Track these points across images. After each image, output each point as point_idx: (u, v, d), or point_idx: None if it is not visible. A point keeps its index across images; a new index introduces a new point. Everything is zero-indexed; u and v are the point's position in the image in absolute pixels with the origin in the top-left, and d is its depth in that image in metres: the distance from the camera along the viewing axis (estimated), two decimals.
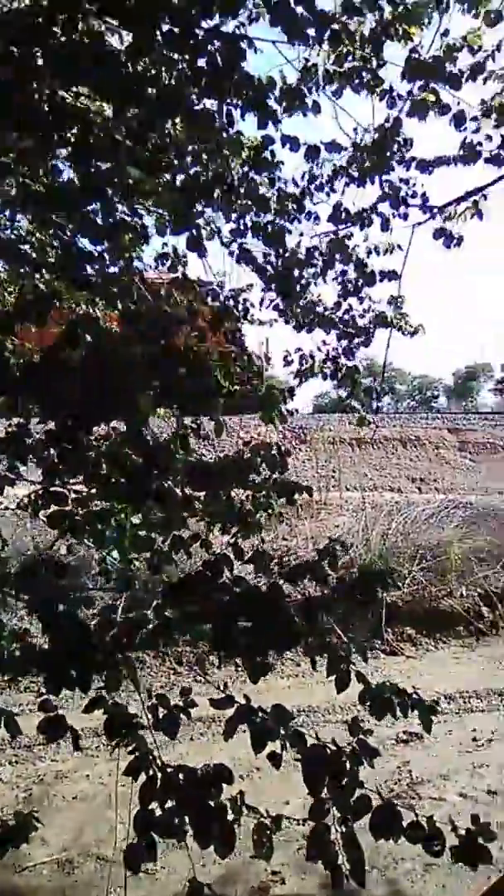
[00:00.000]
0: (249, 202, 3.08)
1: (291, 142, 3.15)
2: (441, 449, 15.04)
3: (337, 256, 3.42)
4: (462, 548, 9.38)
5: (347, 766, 1.69)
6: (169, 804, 1.59)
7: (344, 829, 1.62)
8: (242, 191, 3.02)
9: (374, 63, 3.14)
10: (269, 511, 2.33)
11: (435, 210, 3.68)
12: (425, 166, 3.47)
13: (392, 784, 5.06)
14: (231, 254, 3.27)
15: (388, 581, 2.01)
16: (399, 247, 3.60)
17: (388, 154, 3.38)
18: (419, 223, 3.67)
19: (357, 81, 3.14)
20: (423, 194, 3.57)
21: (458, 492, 12.49)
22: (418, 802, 4.83)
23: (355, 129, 3.40)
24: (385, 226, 3.54)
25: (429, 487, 13.29)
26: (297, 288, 3.15)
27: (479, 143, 3.50)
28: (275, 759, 1.72)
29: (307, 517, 10.08)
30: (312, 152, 3.29)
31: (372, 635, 8.09)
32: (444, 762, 5.38)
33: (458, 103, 3.32)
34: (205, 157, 2.71)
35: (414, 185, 3.55)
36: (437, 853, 1.71)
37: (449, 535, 9.61)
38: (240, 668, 1.94)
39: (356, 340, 3.47)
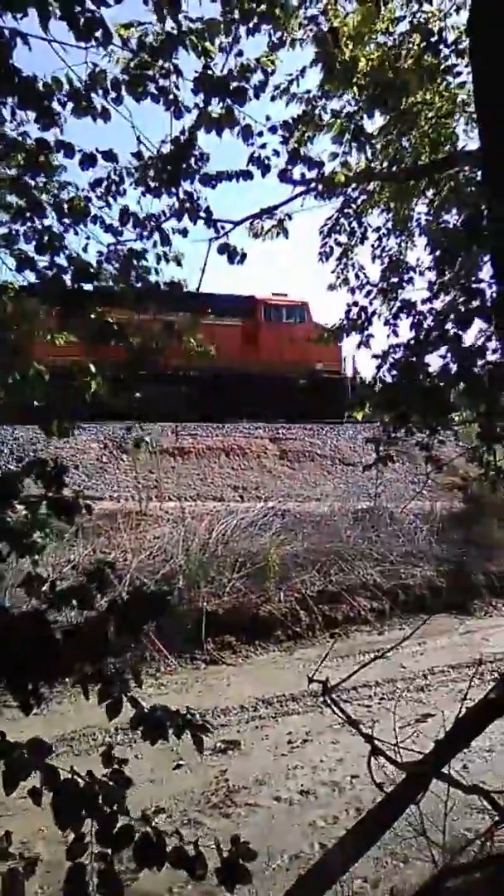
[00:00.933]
0: (24, 205, 2.94)
1: (65, 147, 3.04)
2: (263, 458, 15.40)
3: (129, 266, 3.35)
4: (280, 554, 9.64)
5: (101, 799, 1.59)
6: None
7: (103, 866, 1.53)
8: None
9: (161, 72, 3.14)
10: (47, 530, 2.20)
11: (230, 226, 3.75)
12: (208, 180, 3.50)
13: (210, 794, 5.04)
14: (12, 254, 3.09)
15: (166, 602, 1.94)
16: (179, 262, 3.60)
17: (185, 167, 3.38)
18: (215, 237, 3.71)
19: (141, 90, 3.11)
20: (207, 208, 3.61)
21: (277, 499, 12.83)
22: (234, 810, 4.84)
23: (138, 139, 3.36)
24: (165, 240, 3.53)
25: (250, 496, 13.54)
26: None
27: (268, 158, 3.61)
28: (35, 797, 1.60)
29: (126, 529, 9.89)
30: (88, 160, 3.19)
31: (192, 646, 8.09)
32: (260, 767, 5.45)
33: (245, 118, 3.39)
34: None
35: (198, 198, 3.57)
36: (200, 877, 1.66)
37: (267, 543, 9.83)
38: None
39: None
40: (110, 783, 1.62)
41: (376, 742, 2.77)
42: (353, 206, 5.15)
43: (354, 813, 4.66)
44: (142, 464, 12.89)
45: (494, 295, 3.49)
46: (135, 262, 3.30)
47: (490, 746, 5.58)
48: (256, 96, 3.41)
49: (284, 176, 3.71)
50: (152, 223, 3.46)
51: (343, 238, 5.30)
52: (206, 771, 5.38)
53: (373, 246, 5.41)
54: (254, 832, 4.55)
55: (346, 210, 5.16)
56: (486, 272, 4.21)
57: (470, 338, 3.61)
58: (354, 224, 5.27)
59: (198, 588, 8.69)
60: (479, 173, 4.04)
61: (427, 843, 3.01)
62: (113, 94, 3.05)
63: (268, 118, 3.54)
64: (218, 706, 6.68)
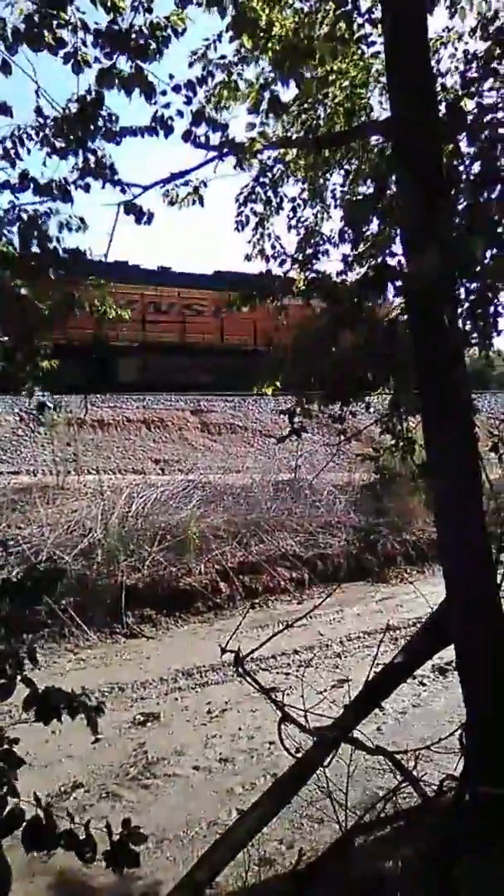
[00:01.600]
0: None
1: None
2: (184, 430, 15.32)
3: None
4: (200, 526, 9.65)
5: None
6: None
7: None
8: None
9: (64, 25, 3.00)
10: None
11: (140, 190, 3.65)
12: (112, 136, 3.38)
13: (128, 767, 5.05)
14: None
15: (58, 581, 1.90)
16: (83, 221, 3.48)
17: (92, 128, 3.25)
18: (125, 202, 3.60)
19: (36, 40, 2.96)
20: (111, 166, 3.49)
21: (199, 472, 12.81)
22: (153, 781, 4.86)
23: (36, 92, 3.21)
24: (68, 197, 3.39)
25: (172, 469, 13.47)
26: None
27: (171, 119, 3.51)
28: None
29: (43, 503, 9.68)
30: None
31: (111, 619, 8.04)
32: (179, 738, 5.48)
33: (147, 76, 3.29)
34: None
35: (103, 156, 3.45)
36: (88, 860, 1.65)
37: (188, 515, 9.81)
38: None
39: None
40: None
41: (288, 709, 2.82)
42: (269, 174, 5.10)
43: (271, 778, 4.74)
44: (59, 436, 12.61)
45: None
46: (35, 227, 3.17)
47: (403, 709, 5.78)
48: (160, 53, 3.30)
49: (188, 137, 3.62)
50: (54, 185, 3.30)
51: (259, 207, 5.24)
52: (126, 744, 5.39)
53: (288, 216, 5.39)
54: (172, 801, 4.59)
55: (262, 179, 5.10)
56: (398, 246, 4.26)
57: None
58: (270, 193, 5.21)
59: (117, 562, 8.61)
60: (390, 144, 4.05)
61: (332, 805, 3.09)
62: (11, 43, 2.90)
63: (171, 76, 3.44)
64: (137, 679, 6.67)
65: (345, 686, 6.04)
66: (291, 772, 2.73)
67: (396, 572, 10.65)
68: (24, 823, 1.56)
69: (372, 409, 4.57)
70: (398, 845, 2.66)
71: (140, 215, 3.61)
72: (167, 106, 3.50)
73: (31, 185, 3.24)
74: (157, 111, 3.48)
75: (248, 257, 5.49)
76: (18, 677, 1.73)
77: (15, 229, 3.15)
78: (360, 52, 4.66)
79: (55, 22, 2.97)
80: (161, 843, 4.08)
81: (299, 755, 3.11)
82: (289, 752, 2.78)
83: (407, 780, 2.61)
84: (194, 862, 3.12)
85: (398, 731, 5.35)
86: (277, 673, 6.66)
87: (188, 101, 3.58)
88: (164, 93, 3.42)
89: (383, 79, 4.70)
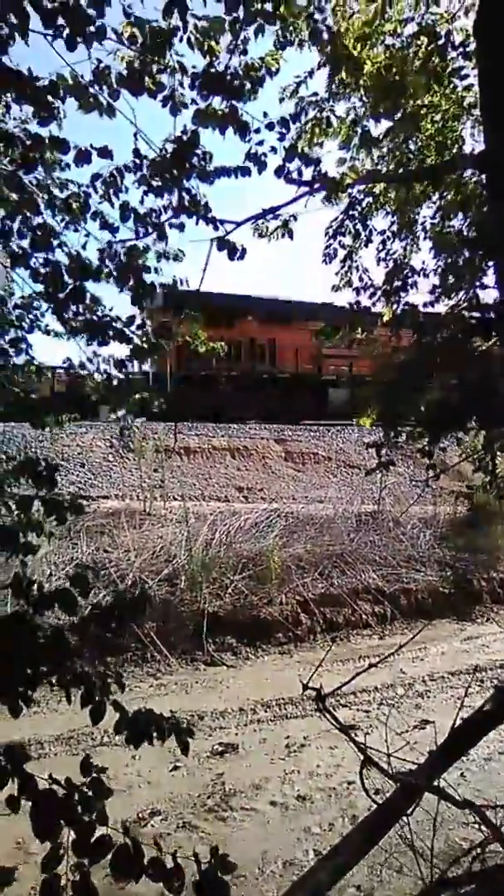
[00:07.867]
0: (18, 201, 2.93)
1: (59, 143, 3.02)
2: (268, 458, 15.38)
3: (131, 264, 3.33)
4: (282, 556, 9.62)
5: (80, 808, 1.56)
6: None
7: (79, 876, 1.50)
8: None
9: (164, 69, 3.13)
10: (39, 532, 2.17)
11: (233, 227, 3.72)
12: (206, 176, 3.47)
13: (206, 798, 5.03)
14: (5, 249, 3.08)
15: (145, 607, 1.92)
16: (178, 258, 3.56)
17: (187, 166, 3.36)
18: (217, 238, 3.67)
19: (137, 85, 3.09)
20: (206, 204, 3.57)
21: (282, 500, 12.80)
22: (230, 814, 4.82)
23: (135, 135, 3.34)
24: (163, 235, 3.50)
25: (255, 497, 13.52)
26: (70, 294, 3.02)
27: (265, 155, 3.58)
28: (12, 804, 1.57)
29: (130, 528, 9.88)
30: (82, 157, 3.17)
31: (193, 646, 8.08)
32: (256, 771, 5.42)
33: (242, 115, 3.38)
34: None
35: (196, 194, 3.54)
36: (177, 891, 1.62)
37: (270, 544, 9.80)
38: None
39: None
40: (89, 793, 1.59)
41: (369, 752, 2.74)
42: (359, 208, 5.12)
43: (349, 820, 4.64)
44: (147, 463, 12.88)
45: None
46: (132, 261, 3.29)
47: (488, 755, 5.54)
48: (254, 92, 3.39)
49: (281, 172, 3.69)
50: (152, 219, 3.43)
51: (348, 240, 5.27)
52: (203, 773, 5.37)
53: (377, 249, 5.39)
54: (249, 837, 4.53)
55: (351, 212, 5.13)
56: (490, 278, 4.18)
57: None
58: (359, 226, 5.23)
59: (200, 589, 8.67)
60: (484, 177, 4.00)
61: (414, 856, 2.98)
62: (115, 88, 3.05)
63: (265, 115, 3.52)
64: (217, 708, 6.65)
65: (427, 728, 5.86)
66: (374, 818, 2.65)
67: (483, 611, 10.30)
68: (112, 851, 1.56)
69: (463, 445, 4.48)
70: None
71: (233, 252, 3.68)
72: (261, 143, 3.58)
73: (131, 216, 3.37)
74: (250, 148, 3.57)
75: (335, 288, 5.50)
76: (108, 701, 1.75)
77: (112, 265, 3.27)
78: (452, 85, 4.65)
79: (155, 67, 3.11)
80: (237, 879, 4.02)
81: (379, 798, 3.02)
82: (371, 797, 2.69)
83: (496, 839, 2.48)
84: None
85: (483, 778, 5.13)
86: (357, 710, 6.51)
87: (281, 138, 3.65)
88: (257, 130, 3.51)
89: (476, 111, 4.66)
